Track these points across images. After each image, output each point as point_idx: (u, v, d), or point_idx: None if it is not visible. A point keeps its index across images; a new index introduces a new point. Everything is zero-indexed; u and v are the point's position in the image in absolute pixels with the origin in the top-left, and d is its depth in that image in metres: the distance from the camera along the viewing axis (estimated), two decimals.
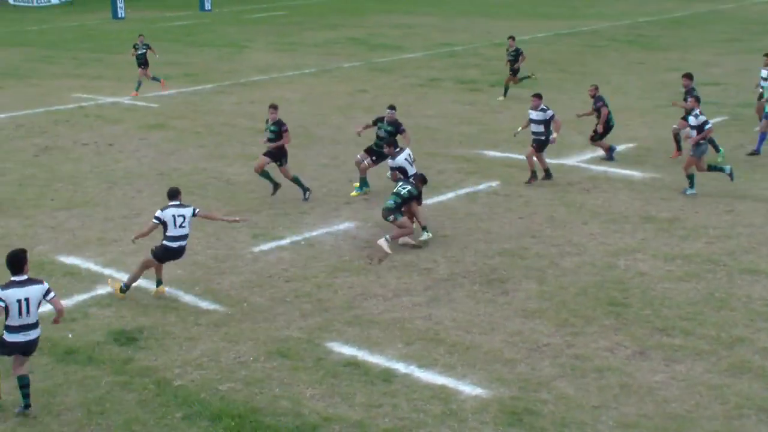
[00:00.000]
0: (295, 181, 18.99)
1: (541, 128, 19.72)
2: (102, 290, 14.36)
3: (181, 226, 13.86)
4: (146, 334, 12.81)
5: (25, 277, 10.69)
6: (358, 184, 19.45)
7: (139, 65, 31.98)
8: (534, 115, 19.82)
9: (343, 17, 57.50)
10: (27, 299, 10.52)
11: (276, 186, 19.10)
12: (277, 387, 11.30)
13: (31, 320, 10.59)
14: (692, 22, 52.08)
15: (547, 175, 19.95)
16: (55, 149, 23.83)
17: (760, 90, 24.05)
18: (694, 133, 18.72)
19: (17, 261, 10.70)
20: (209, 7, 64.39)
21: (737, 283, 14.41)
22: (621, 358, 11.96)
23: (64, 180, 20.71)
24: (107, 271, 15.11)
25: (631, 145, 23.18)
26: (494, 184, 19.82)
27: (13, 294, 10.46)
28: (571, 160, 21.82)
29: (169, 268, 15.21)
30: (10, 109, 29.36)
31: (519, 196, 18.97)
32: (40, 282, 10.83)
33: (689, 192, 18.86)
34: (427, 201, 17.93)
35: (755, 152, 22.04)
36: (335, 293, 14.19)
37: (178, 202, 14.02)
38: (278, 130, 18.75)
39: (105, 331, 12.88)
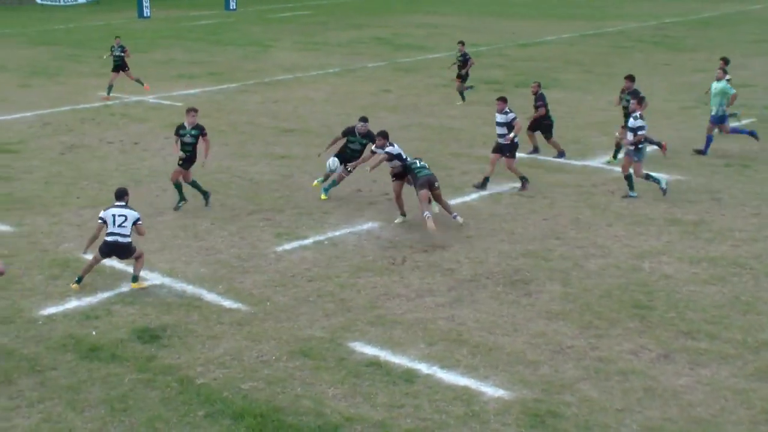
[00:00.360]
0: (194, 185, 18.49)
1: (504, 130, 19.31)
2: (125, 288, 14.41)
3: (120, 226, 14.26)
4: (169, 332, 12.85)
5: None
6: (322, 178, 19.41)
7: (116, 68, 31.12)
8: (499, 118, 19.44)
9: (368, 17, 57.53)
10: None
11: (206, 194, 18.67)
12: (299, 386, 11.30)
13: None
14: (720, 23, 51.73)
15: (524, 182, 19.58)
16: (81, 147, 23.95)
17: None
18: (630, 136, 18.66)
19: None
20: (234, 7, 64.60)
21: (764, 286, 14.29)
22: (645, 361, 11.88)
23: (90, 178, 20.81)
24: (131, 269, 15.14)
25: (656, 147, 22.99)
26: (518, 185, 19.73)
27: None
28: (595, 162, 21.72)
29: (193, 266, 15.27)
30: (38, 107, 29.55)
31: (543, 197, 18.89)
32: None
33: (631, 195, 18.80)
34: (452, 201, 17.89)
35: (702, 152, 22.35)
36: (358, 293, 14.18)
37: (123, 203, 14.50)
38: (198, 134, 18.22)
39: (129, 329, 12.93)
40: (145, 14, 59.92)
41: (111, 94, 30.83)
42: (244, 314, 13.45)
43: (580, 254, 15.68)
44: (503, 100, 19.63)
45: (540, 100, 21.77)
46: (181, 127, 18.34)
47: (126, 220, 14.26)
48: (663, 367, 11.70)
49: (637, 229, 16.90)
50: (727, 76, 22.59)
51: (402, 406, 10.81)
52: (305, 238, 16.66)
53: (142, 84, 31.51)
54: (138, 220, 14.49)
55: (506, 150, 19.40)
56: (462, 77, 29.70)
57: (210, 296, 14.11)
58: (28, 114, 28.49)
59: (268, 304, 13.82)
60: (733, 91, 22.29)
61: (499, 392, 11.11)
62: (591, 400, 10.91)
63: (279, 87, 32.98)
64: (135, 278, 14.50)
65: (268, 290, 14.33)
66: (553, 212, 17.95)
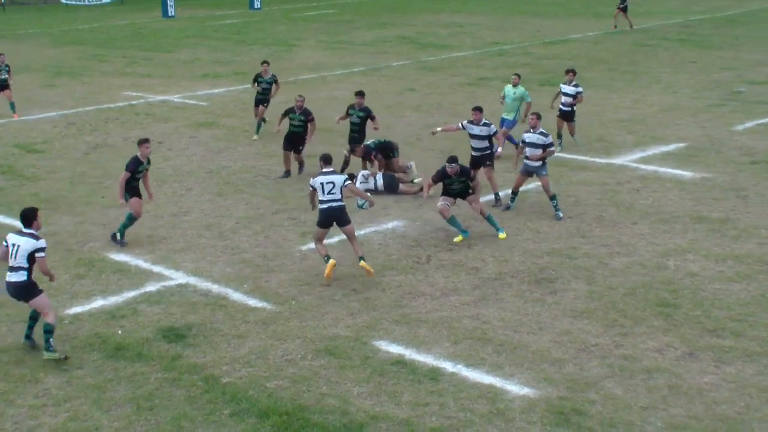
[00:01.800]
0: None
1: (484, 143, 18.18)
2: (151, 287, 14.49)
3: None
4: (195, 331, 12.91)
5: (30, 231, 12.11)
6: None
7: (3, 88, 28.09)
8: (476, 130, 18.14)
9: (393, 16, 57.52)
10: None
11: None
12: (324, 385, 11.33)
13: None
14: (745, 20, 51.34)
15: (497, 199, 18.46)
16: (106, 147, 24.11)
17: None
18: (539, 152, 17.54)
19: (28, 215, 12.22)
20: (259, 6, 64.77)
21: None
22: (670, 359, 11.83)
23: (115, 178, 20.86)
24: (156, 269, 15.26)
25: (681, 144, 22.92)
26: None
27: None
28: (620, 160, 21.62)
29: (218, 265, 15.34)
30: (63, 106, 29.77)
31: (568, 195, 18.83)
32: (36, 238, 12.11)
33: (561, 215, 17.49)
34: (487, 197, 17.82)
35: None
36: (383, 292, 14.20)
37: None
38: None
39: (154, 328, 13.00)
40: (169, 14, 60.19)
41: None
42: (270, 313, 13.50)
43: (604, 252, 15.63)
44: (479, 110, 18.16)
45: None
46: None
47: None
48: (688, 365, 11.65)
49: (662, 227, 16.82)
50: None
51: (427, 404, 10.82)
52: (330, 237, 16.66)
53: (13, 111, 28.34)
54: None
55: (486, 160, 18.27)
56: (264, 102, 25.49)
57: (235, 295, 14.17)
58: (53, 114, 28.71)
59: (293, 303, 13.86)
60: None
61: (524, 390, 11.10)
62: (615, 398, 10.88)
63: (304, 86, 33.01)
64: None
65: (294, 289, 14.37)
66: (578, 210, 17.89)
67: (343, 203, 14.69)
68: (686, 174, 20.21)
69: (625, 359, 11.82)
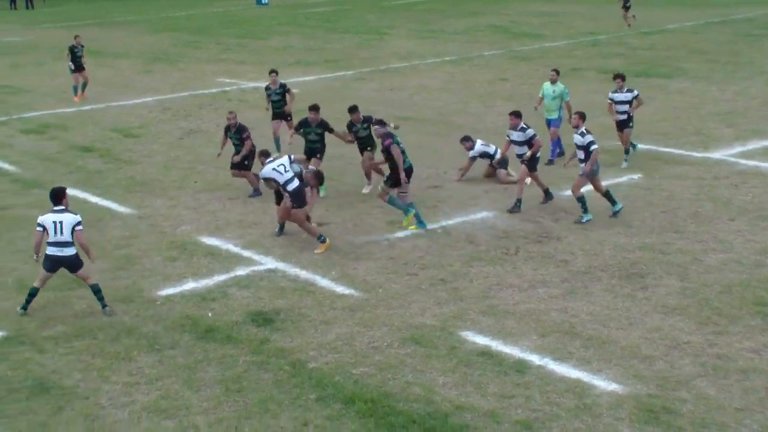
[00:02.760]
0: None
1: (524, 149, 17.49)
2: (241, 271, 14.65)
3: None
4: (283, 316, 13.02)
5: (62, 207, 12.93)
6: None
7: (78, 69, 29.43)
8: (515, 135, 17.57)
9: (485, 4, 57.13)
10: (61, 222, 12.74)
11: None
12: (410, 373, 11.31)
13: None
14: None
15: (547, 195, 17.76)
16: (199, 132, 24.47)
17: None
18: (581, 154, 16.68)
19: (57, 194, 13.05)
20: None
21: None
22: (767, 360, 11.50)
23: (207, 163, 21.22)
24: (246, 253, 15.42)
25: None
26: (636, 176, 19.33)
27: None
28: (717, 154, 21.08)
29: (307, 252, 15.42)
30: (158, 92, 30.32)
31: (662, 189, 18.45)
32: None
33: (585, 219, 16.62)
34: (567, 192, 17.62)
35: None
36: (471, 282, 14.11)
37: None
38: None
39: (243, 312, 13.15)
40: (263, 1, 60.82)
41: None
42: (357, 300, 13.53)
43: (699, 248, 15.26)
44: (517, 115, 17.55)
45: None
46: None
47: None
48: None
49: (762, 224, 16.34)
50: None
51: (513, 396, 10.72)
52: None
53: (77, 93, 29.51)
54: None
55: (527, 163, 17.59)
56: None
57: (323, 282, 14.24)
58: (149, 99, 29.27)
59: (380, 290, 13.87)
60: None
61: (612, 386, 10.92)
62: (708, 397, 10.61)
63: (395, 75, 33.05)
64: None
65: (381, 277, 14.38)
66: (672, 205, 17.51)
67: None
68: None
69: (719, 358, 11.52)
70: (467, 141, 19.62)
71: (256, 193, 18.51)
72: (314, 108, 18.84)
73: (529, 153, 17.39)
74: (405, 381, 11.12)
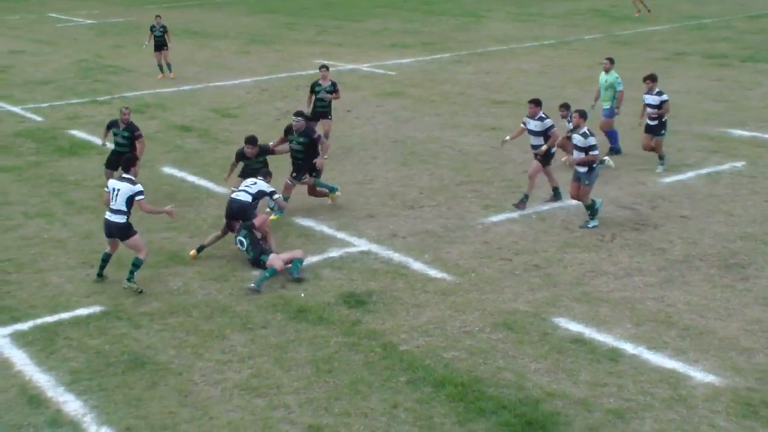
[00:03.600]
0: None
1: (540, 141, 16.69)
2: (334, 253, 14.72)
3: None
4: (375, 298, 13.05)
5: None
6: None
7: (158, 48, 30.37)
8: (532, 125, 16.76)
9: None
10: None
11: None
12: (501, 359, 11.24)
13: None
14: None
15: (556, 194, 17.03)
16: None
17: None
18: (582, 155, 15.60)
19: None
20: None
21: None
22: None
23: None
24: (340, 235, 15.49)
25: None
26: (739, 164, 18.82)
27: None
28: None
29: (401, 235, 15.41)
30: (256, 73, 30.65)
31: (766, 177, 17.94)
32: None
33: (591, 225, 15.63)
34: (665, 179, 17.27)
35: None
36: (565, 269, 13.94)
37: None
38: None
39: (336, 293, 13.22)
40: None
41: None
42: (449, 284, 13.49)
43: None
44: (537, 103, 16.72)
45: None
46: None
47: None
48: None
49: None
50: None
51: (605, 384, 10.57)
52: (513, 210, 16.50)
53: (162, 72, 30.51)
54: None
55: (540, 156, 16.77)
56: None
57: (416, 265, 14.22)
58: (247, 80, 29.61)
59: (473, 275, 13.80)
60: None
61: (708, 378, 10.67)
62: None
63: (492, 58, 32.79)
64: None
65: (474, 261, 14.31)
66: None
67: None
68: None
69: None
70: (565, 109, 18.59)
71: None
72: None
73: (544, 147, 16.55)
74: (496, 366, 11.05)
